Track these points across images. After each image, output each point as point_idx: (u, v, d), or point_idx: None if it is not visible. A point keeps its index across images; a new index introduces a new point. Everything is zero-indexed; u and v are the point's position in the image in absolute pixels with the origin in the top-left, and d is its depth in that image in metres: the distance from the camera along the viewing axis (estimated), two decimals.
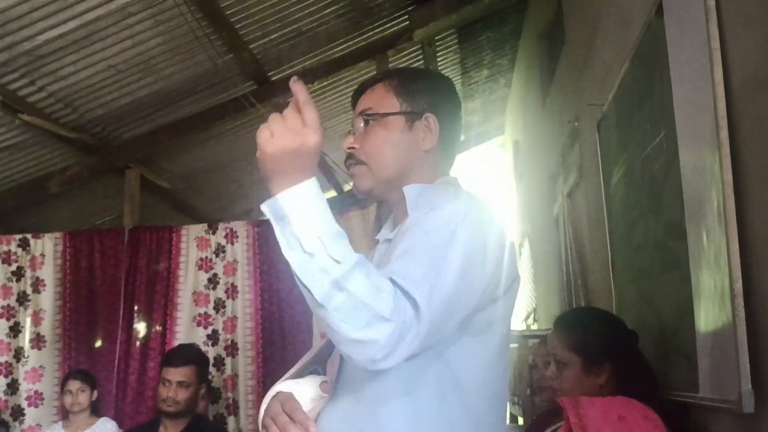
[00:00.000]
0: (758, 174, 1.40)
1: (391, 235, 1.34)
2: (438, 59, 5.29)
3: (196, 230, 4.10)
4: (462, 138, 1.52)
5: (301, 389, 1.23)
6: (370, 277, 1.02)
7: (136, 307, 3.99)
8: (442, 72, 4.72)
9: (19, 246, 4.03)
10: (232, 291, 4.00)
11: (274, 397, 1.23)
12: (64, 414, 3.72)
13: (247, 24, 3.84)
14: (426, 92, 1.39)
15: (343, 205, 5.71)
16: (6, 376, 3.90)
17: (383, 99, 1.38)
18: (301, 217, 1.05)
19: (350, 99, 1.49)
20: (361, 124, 1.38)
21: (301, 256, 1.04)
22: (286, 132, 1.05)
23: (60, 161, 4.42)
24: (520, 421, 3.83)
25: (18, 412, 3.86)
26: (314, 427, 1.18)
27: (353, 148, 1.37)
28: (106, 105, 4.02)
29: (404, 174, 1.34)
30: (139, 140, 4.46)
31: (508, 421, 4.38)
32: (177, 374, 3.24)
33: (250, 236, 4.07)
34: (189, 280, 4.01)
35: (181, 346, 3.58)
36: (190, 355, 3.37)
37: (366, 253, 1.20)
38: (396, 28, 4.57)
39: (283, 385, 1.25)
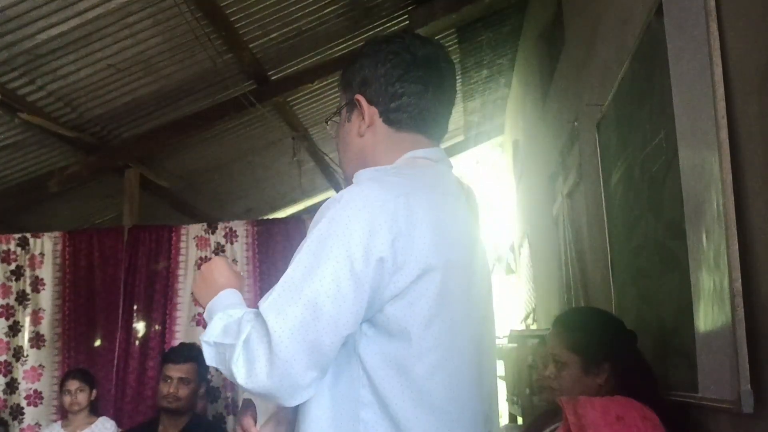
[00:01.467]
0: (758, 174, 1.40)
1: None
2: None
3: (196, 230, 4.10)
4: (438, 98, 1.29)
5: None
6: (228, 320, 1.16)
7: (135, 307, 3.99)
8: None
9: (18, 245, 4.03)
10: None
11: (242, 404, 1.27)
12: (63, 413, 3.72)
13: (247, 23, 3.84)
14: (355, 73, 1.31)
15: None
16: (5, 376, 3.90)
17: (340, 99, 1.38)
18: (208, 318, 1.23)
19: None
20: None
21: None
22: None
23: (59, 160, 4.42)
24: (519, 420, 3.83)
25: (17, 412, 3.86)
26: None
27: None
28: (106, 104, 4.02)
29: (362, 165, 1.26)
30: (138, 139, 4.45)
31: (506, 421, 4.37)
32: (178, 371, 3.27)
33: (249, 236, 4.07)
34: (188, 279, 4.01)
35: (182, 344, 3.60)
36: (191, 352, 3.39)
37: None
38: (396, 27, 4.57)
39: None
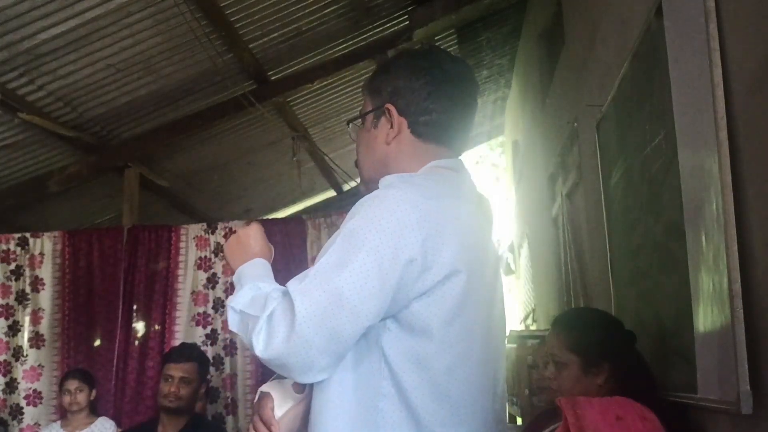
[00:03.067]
0: (757, 175, 1.40)
1: None
2: None
3: (195, 229, 4.10)
4: (464, 115, 1.37)
5: (283, 389, 1.27)
6: (257, 291, 1.23)
7: (135, 307, 3.99)
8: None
9: (18, 245, 4.03)
10: (231, 291, 3.98)
11: (258, 395, 1.29)
12: (63, 413, 3.72)
13: (247, 23, 3.84)
14: (387, 81, 1.36)
15: (342, 204, 5.71)
16: (5, 375, 3.90)
17: (364, 101, 1.40)
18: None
19: (350, 99, 1.52)
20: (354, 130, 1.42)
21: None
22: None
23: (59, 160, 4.42)
24: (519, 421, 3.83)
25: (17, 411, 3.86)
26: (276, 426, 1.24)
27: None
28: (106, 104, 4.02)
29: (383, 171, 1.30)
30: (138, 139, 4.45)
31: (507, 421, 4.37)
32: (179, 370, 3.27)
33: None
34: (188, 279, 4.01)
35: (183, 344, 3.60)
36: (192, 352, 3.41)
37: None
38: (396, 28, 4.57)
39: (267, 385, 1.29)
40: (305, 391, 1.25)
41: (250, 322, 1.18)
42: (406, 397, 1.15)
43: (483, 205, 1.37)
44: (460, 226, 1.21)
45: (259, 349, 1.14)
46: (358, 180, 1.46)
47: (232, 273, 1.34)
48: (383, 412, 1.15)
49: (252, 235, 1.37)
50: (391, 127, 1.33)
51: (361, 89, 1.44)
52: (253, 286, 1.24)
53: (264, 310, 1.16)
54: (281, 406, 1.26)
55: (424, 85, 1.32)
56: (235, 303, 1.22)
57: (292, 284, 1.17)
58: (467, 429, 1.20)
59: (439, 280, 1.16)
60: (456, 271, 1.17)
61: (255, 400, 1.30)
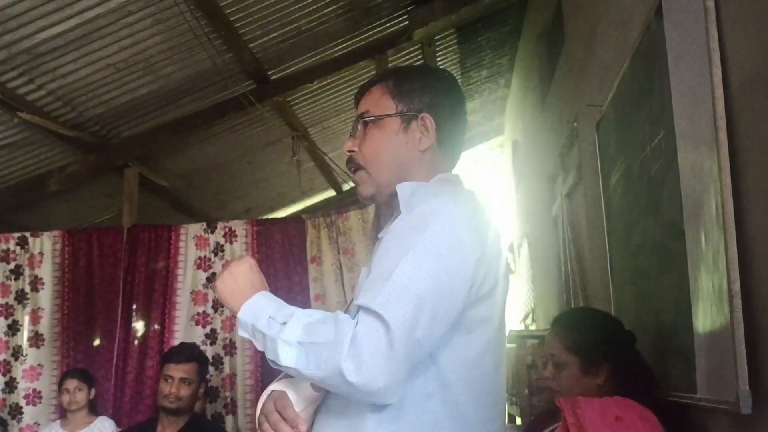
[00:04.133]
0: (757, 175, 1.40)
1: (382, 233, 1.35)
2: (437, 59, 5.28)
3: (195, 229, 4.10)
4: (465, 135, 1.51)
5: (295, 388, 1.24)
6: (307, 319, 1.15)
7: (134, 306, 3.99)
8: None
9: (17, 244, 4.03)
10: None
11: (268, 395, 1.25)
12: (62, 412, 3.72)
13: (247, 23, 3.84)
14: (422, 91, 1.39)
15: (341, 204, 5.71)
16: (4, 375, 3.90)
17: (380, 101, 1.40)
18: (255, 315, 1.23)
19: (350, 98, 1.52)
20: (360, 128, 1.41)
21: (259, 340, 1.19)
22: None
23: (59, 159, 4.42)
24: (518, 421, 3.83)
25: (16, 411, 3.86)
26: (304, 425, 1.21)
27: (353, 151, 1.40)
28: (106, 103, 4.02)
29: (402, 176, 1.34)
30: (138, 139, 4.45)
31: (506, 421, 4.38)
32: (179, 371, 3.27)
33: (248, 235, 4.08)
34: (187, 279, 4.01)
35: (183, 344, 3.59)
36: (192, 352, 3.41)
37: (365, 252, 1.22)
38: (395, 28, 4.57)
39: (278, 384, 1.26)
40: (322, 390, 1.22)
41: (323, 351, 1.10)
42: (451, 396, 1.18)
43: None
44: (494, 237, 1.28)
45: (352, 375, 1.07)
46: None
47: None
48: (429, 413, 1.17)
49: (249, 268, 1.29)
50: (425, 135, 1.38)
51: (371, 85, 1.45)
52: (300, 315, 1.16)
53: (340, 334, 1.09)
54: (297, 404, 1.23)
55: (449, 104, 1.42)
56: (288, 336, 1.13)
57: (367, 300, 1.11)
58: (500, 424, 1.28)
59: (492, 285, 1.23)
60: (501, 277, 1.26)
61: (263, 401, 1.25)
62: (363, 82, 1.49)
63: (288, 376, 1.27)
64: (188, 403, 3.30)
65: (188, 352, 3.39)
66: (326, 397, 1.24)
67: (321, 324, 1.13)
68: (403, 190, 1.28)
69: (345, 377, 1.08)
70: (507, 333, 1.58)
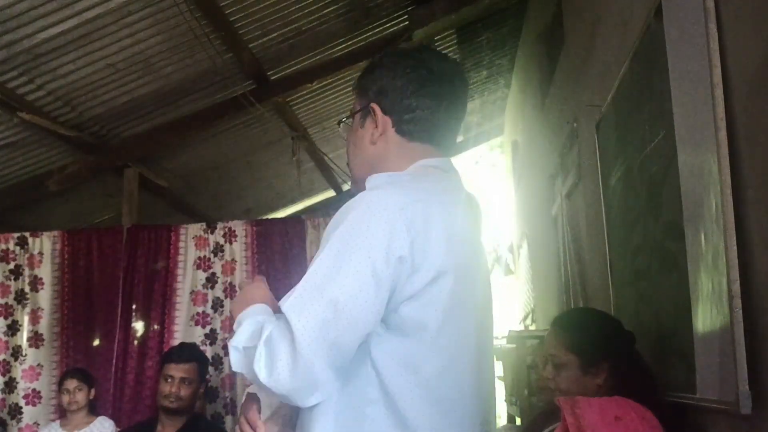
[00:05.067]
0: (757, 175, 1.40)
1: None
2: None
3: (195, 229, 4.10)
4: (451, 113, 1.35)
5: (267, 391, 1.27)
6: (256, 325, 1.18)
7: (134, 306, 3.99)
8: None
9: (17, 244, 4.03)
10: (230, 290, 4.01)
11: (245, 397, 1.29)
12: (62, 413, 3.72)
13: (247, 23, 3.84)
14: (374, 80, 1.35)
15: (341, 204, 5.68)
16: (4, 375, 3.90)
17: (354, 103, 1.41)
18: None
19: (350, 99, 1.51)
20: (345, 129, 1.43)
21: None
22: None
23: (59, 160, 4.41)
24: (518, 421, 3.83)
25: (15, 411, 3.86)
26: (263, 428, 1.24)
27: None
28: (105, 104, 4.02)
29: (371, 171, 1.29)
30: (138, 139, 4.45)
31: (505, 421, 4.37)
32: (180, 370, 3.27)
33: (248, 236, 4.07)
34: (187, 279, 4.01)
35: (182, 344, 3.60)
36: (192, 352, 3.42)
37: None
38: (395, 28, 4.57)
39: (254, 386, 1.29)
40: None
41: (252, 355, 1.14)
42: (393, 402, 1.13)
43: (472, 205, 1.35)
44: (447, 227, 1.19)
45: (263, 376, 1.10)
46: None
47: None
48: (370, 418, 1.13)
49: (256, 288, 1.33)
50: (376, 126, 1.32)
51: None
52: (251, 321, 1.20)
53: (260, 337, 1.13)
54: (269, 406, 1.25)
55: (407, 83, 1.31)
56: (237, 341, 1.18)
57: (284, 302, 1.13)
58: None
59: (427, 282, 1.14)
60: (443, 272, 1.16)
61: (242, 401, 1.31)
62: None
63: None
64: (188, 403, 3.30)
65: (189, 352, 3.39)
66: None
67: (259, 328, 1.16)
68: (369, 182, 1.26)
69: (260, 380, 1.10)
70: (497, 333, 1.52)
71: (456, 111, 1.36)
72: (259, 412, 1.26)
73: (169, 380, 3.28)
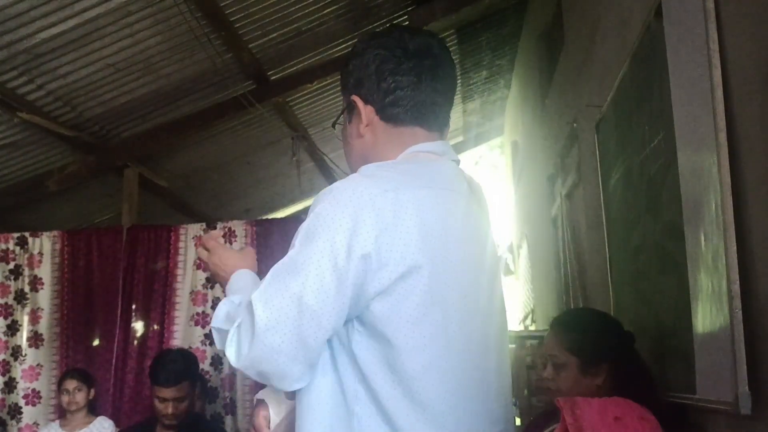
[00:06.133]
0: (756, 176, 1.40)
1: None
2: None
3: (195, 229, 4.10)
4: (432, 87, 1.27)
5: (277, 396, 1.27)
6: (225, 308, 1.22)
7: (134, 306, 3.99)
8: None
9: (17, 244, 4.02)
10: None
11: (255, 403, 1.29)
12: (61, 413, 3.72)
13: (247, 23, 3.84)
14: (348, 75, 1.32)
15: None
16: (3, 375, 3.90)
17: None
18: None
19: None
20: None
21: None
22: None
23: (58, 160, 4.41)
24: (518, 422, 3.83)
25: (15, 411, 3.86)
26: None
27: None
28: (105, 104, 4.02)
29: (367, 163, 1.24)
30: (137, 139, 4.45)
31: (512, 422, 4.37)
32: (171, 392, 3.16)
33: (248, 235, 4.07)
34: (187, 279, 4.01)
35: (166, 359, 3.31)
36: (179, 371, 3.21)
37: None
38: None
39: (263, 392, 1.30)
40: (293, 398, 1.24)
41: (225, 337, 1.17)
42: (378, 400, 1.10)
43: (473, 192, 1.28)
44: (428, 217, 1.13)
45: (232, 360, 1.14)
46: None
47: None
48: (359, 416, 1.11)
49: (247, 252, 1.42)
50: (361, 119, 1.28)
51: None
52: (227, 301, 1.23)
53: (234, 321, 1.15)
54: (278, 413, 1.26)
55: (380, 66, 1.26)
56: (214, 322, 1.22)
57: (255, 292, 1.14)
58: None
59: (396, 277, 1.09)
60: (416, 267, 1.10)
61: (254, 406, 1.32)
62: None
63: None
64: (185, 414, 3.23)
65: (175, 374, 3.19)
66: None
67: (234, 311, 1.20)
68: (360, 172, 1.21)
69: (231, 362, 1.14)
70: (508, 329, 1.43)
71: (440, 85, 1.28)
72: (267, 420, 1.27)
73: (162, 402, 3.19)
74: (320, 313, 1.08)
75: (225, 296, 1.29)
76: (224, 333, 1.17)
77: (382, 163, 1.23)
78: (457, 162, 1.31)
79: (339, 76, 1.42)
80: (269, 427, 1.28)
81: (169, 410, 3.15)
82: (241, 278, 1.31)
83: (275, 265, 1.14)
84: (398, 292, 1.10)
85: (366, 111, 1.28)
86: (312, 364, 1.12)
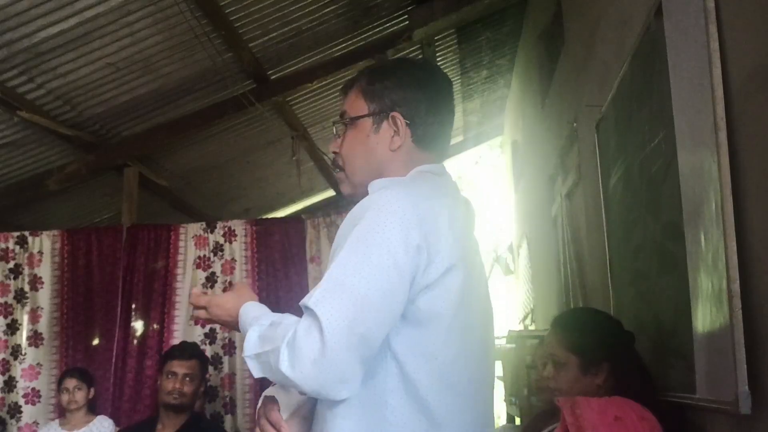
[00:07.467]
0: (756, 175, 1.40)
1: None
2: (437, 59, 5.29)
3: (195, 229, 4.10)
4: (451, 125, 1.46)
5: (287, 393, 1.28)
6: (261, 329, 1.23)
7: (133, 306, 3.99)
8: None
9: (17, 243, 4.02)
10: (230, 289, 4.00)
11: (261, 401, 1.30)
12: (61, 412, 3.72)
13: (247, 23, 3.84)
14: (392, 89, 1.39)
15: (341, 204, 5.71)
16: (3, 374, 3.90)
17: (355, 102, 1.42)
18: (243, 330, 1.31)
19: None
20: (342, 129, 1.44)
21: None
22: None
23: (58, 159, 4.41)
24: (518, 421, 3.83)
25: (15, 410, 3.86)
26: (285, 428, 1.26)
27: (336, 152, 1.44)
28: (105, 103, 4.02)
29: (378, 174, 1.35)
30: (137, 138, 4.45)
31: (504, 421, 4.38)
32: (183, 367, 3.31)
33: (248, 235, 4.07)
34: (187, 278, 4.01)
35: (184, 342, 3.63)
36: (194, 350, 3.47)
37: None
38: (395, 27, 4.57)
39: (271, 389, 1.31)
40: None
41: (270, 358, 1.17)
42: (414, 389, 1.18)
43: (468, 207, 1.42)
44: (452, 224, 1.26)
45: (291, 375, 1.12)
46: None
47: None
48: (392, 407, 1.18)
49: (242, 286, 1.45)
50: (396, 134, 1.37)
51: (349, 86, 1.46)
52: (256, 326, 1.24)
53: (282, 339, 1.15)
54: (288, 408, 1.27)
55: (426, 98, 1.39)
56: (248, 351, 1.22)
57: (309, 299, 1.15)
58: (471, 416, 1.25)
59: (441, 273, 1.20)
60: (454, 265, 1.22)
61: (259, 406, 1.32)
62: (345, 82, 1.50)
63: None
64: (190, 400, 3.31)
65: (191, 350, 3.44)
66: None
67: (272, 330, 1.20)
68: (372, 187, 1.31)
69: (288, 378, 1.13)
70: (504, 334, 1.59)
71: (452, 122, 1.46)
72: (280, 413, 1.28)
73: (172, 377, 3.30)
74: (384, 309, 1.15)
75: (243, 330, 1.30)
76: (265, 355, 1.18)
77: (397, 178, 1.34)
78: (453, 180, 1.46)
79: (339, 76, 1.46)
80: None
81: (177, 385, 3.25)
82: (250, 310, 1.32)
83: (328, 273, 1.18)
84: (441, 287, 1.21)
85: (405, 131, 1.38)
86: (367, 364, 1.16)
